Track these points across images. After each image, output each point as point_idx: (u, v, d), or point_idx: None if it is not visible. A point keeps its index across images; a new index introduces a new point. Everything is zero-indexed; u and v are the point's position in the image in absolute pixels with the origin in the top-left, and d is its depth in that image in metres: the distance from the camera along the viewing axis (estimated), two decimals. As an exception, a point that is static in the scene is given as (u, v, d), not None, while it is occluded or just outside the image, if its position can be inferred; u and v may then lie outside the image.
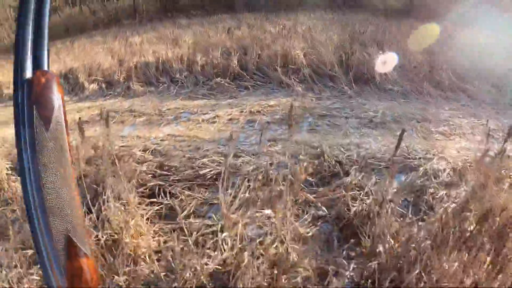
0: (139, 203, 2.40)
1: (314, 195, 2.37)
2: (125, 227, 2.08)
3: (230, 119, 3.85)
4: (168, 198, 2.49)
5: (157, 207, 2.44)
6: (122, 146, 3.52)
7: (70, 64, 6.90)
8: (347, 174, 2.66)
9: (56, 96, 0.50)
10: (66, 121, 0.50)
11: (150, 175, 2.72)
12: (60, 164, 0.49)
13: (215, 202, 2.38)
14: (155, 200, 2.48)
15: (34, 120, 0.48)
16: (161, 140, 3.61)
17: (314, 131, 3.49)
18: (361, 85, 4.85)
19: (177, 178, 2.63)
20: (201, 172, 2.64)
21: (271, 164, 2.75)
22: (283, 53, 5.38)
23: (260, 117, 3.81)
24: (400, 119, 3.88)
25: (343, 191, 2.40)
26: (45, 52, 0.51)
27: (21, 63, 0.49)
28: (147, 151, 3.28)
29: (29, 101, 0.48)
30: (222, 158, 2.86)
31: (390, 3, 9.82)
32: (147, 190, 2.57)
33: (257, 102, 4.31)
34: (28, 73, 0.49)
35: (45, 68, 0.51)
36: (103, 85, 6.03)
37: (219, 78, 5.06)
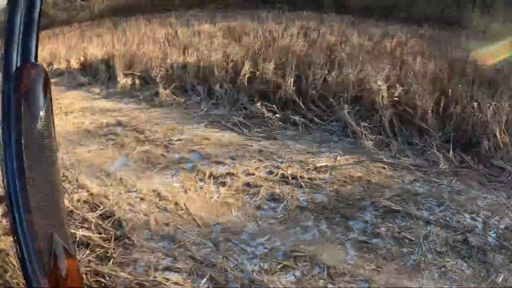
0: None
1: None
2: None
3: (248, 184, 2.54)
4: None
5: None
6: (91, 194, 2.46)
7: (115, 50, 6.14)
8: None
9: (45, 92, 0.47)
10: (53, 117, 0.48)
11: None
12: (46, 161, 0.47)
13: None
14: None
15: (22, 115, 0.45)
16: (141, 198, 2.46)
17: (367, 249, 2.01)
18: (459, 153, 2.98)
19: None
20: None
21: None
22: (359, 80, 3.85)
23: (294, 193, 2.43)
24: (501, 242, 2.07)
25: None
26: (34, 43, 0.47)
27: (10, 54, 0.46)
28: (106, 219, 2.16)
29: (17, 95, 0.45)
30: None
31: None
32: None
33: (302, 156, 2.93)
34: (17, 65, 0.46)
35: (33, 60, 0.47)
36: (137, 82, 5.11)
37: (261, 103, 3.73)
